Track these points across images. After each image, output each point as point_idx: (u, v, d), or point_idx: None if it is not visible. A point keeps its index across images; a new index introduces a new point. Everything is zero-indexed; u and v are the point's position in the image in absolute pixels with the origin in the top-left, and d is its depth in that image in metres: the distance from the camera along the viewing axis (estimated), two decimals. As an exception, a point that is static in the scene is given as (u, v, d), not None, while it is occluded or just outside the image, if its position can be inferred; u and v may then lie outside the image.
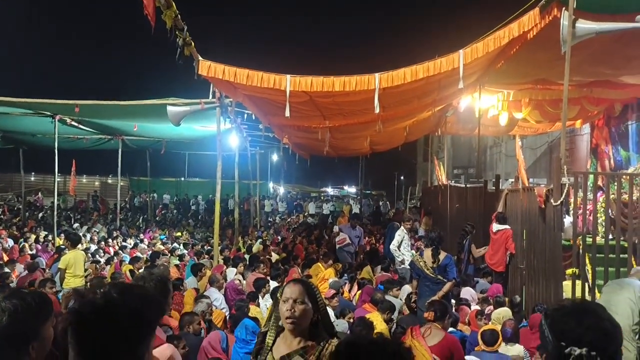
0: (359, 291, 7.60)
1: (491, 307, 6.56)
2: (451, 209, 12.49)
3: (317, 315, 2.54)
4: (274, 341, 2.59)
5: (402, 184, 33.06)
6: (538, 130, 13.75)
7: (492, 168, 21.06)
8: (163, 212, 25.64)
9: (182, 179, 31.33)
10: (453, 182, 16.29)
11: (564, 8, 5.77)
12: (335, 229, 9.60)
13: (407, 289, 7.45)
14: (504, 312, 6.15)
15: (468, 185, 12.60)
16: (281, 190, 34.25)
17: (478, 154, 12.71)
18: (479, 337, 5.00)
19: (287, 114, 7.16)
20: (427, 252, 6.55)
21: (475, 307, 6.67)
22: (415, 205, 21.56)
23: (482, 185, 11.06)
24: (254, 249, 12.31)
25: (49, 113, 12.64)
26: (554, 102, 10.18)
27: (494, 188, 10.17)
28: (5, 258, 10.94)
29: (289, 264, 10.23)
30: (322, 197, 31.68)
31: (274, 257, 11.32)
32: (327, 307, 6.43)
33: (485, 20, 7.11)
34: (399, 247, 8.34)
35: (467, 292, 7.29)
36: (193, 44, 6.49)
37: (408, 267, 8.39)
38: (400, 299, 7.08)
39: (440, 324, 4.37)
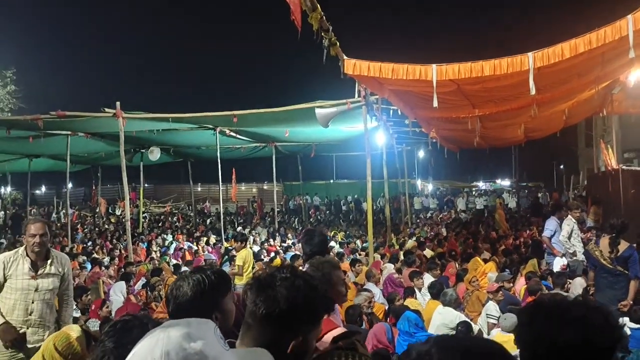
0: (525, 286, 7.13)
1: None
2: (625, 197, 11.22)
3: None
4: None
5: (563, 173, 30.58)
6: None
7: (672, 149, 18.54)
8: (316, 213, 26.62)
9: (331, 181, 32.23)
10: (625, 166, 14.62)
11: None
12: (549, 227, 8.19)
13: (579, 282, 6.83)
14: None
15: (646, 169, 11.23)
16: (429, 186, 33.61)
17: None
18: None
19: (435, 104, 6.97)
20: (604, 241, 5.87)
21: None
22: (580, 194, 19.75)
23: (665, 168, 9.78)
24: (407, 246, 12.22)
25: (210, 126, 13.83)
26: None
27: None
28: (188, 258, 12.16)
29: (444, 259, 10.01)
30: (473, 192, 30.44)
31: (428, 252, 11.13)
32: (491, 302, 6.18)
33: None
34: (569, 237, 7.66)
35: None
36: (338, 43, 6.63)
37: (579, 259, 7.72)
38: (573, 293, 6.50)
39: None
